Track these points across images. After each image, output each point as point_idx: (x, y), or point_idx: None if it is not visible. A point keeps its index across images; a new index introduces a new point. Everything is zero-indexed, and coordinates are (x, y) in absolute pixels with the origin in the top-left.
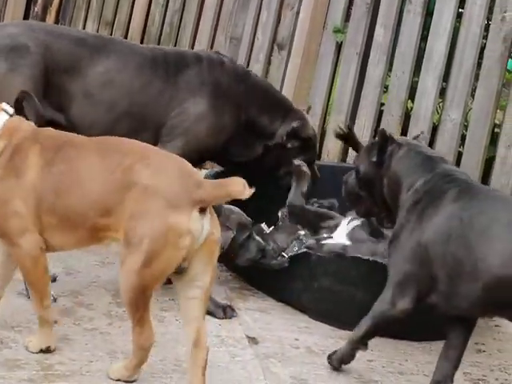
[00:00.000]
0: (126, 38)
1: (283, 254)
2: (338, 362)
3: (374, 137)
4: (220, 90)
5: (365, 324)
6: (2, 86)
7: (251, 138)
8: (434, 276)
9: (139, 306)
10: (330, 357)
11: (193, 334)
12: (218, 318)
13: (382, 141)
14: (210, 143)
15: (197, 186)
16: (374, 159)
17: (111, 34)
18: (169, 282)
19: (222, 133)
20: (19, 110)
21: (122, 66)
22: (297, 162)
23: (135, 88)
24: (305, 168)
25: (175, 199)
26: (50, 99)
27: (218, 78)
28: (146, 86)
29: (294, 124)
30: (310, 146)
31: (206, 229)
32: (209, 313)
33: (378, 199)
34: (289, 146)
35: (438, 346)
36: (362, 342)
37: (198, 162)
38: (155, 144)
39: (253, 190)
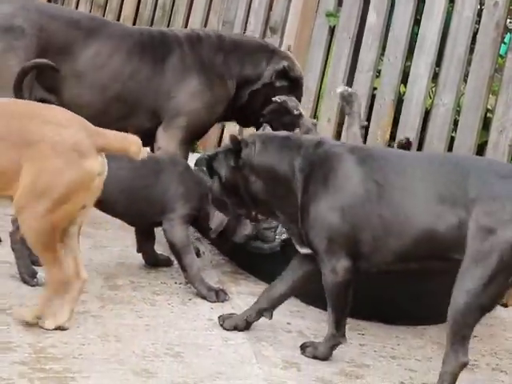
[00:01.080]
0: (118, 21)
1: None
2: (311, 355)
3: (368, 119)
4: (205, 64)
5: (329, 311)
6: None
7: (238, 90)
8: (355, 239)
9: (51, 247)
10: (304, 347)
11: (72, 265)
12: (211, 302)
13: (236, 146)
14: (210, 117)
15: (97, 134)
16: (233, 164)
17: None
18: (164, 264)
19: (219, 104)
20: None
21: (114, 50)
22: (280, 98)
23: (125, 72)
24: (291, 103)
25: (83, 147)
26: (43, 80)
27: (200, 53)
28: (136, 71)
29: (285, 63)
30: (298, 86)
31: (106, 170)
32: (201, 296)
33: (246, 199)
34: (277, 84)
35: (431, 330)
36: (339, 332)
37: (198, 138)
38: (151, 129)
39: (147, 150)
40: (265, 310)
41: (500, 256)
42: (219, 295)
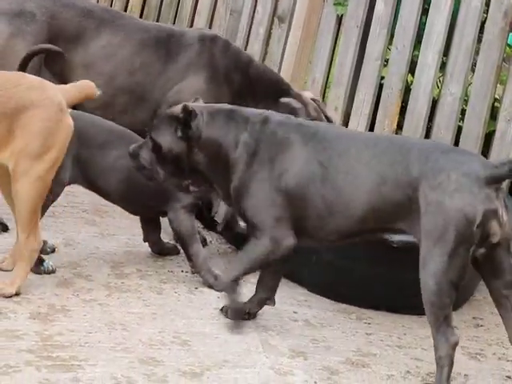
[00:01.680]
0: (125, 9)
1: None
2: (234, 312)
3: (376, 108)
4: (219, 71)
5: (239, 266)
6: (4, 50)
7: None
8: (299, 217)
9: (37, 211)
10: (223, 310)
11: None
12: (217, 291)
13: (187, 116)
14: None
15: (65, 91)
16: (181, 134)
17: (111, 5)
18: (171, 252)
19: None
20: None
21: (126, 42)
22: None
23: (135, 65)
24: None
25: (63, 106)
26: (51, 68)
27: (219, 59)
28: (147, 64)
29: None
30: None
31: None
32: (208, 285)
33: (185, 170)
34: None
35: None
36: (235, 283)
37: None
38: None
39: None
40: (266, 298)
41: (455, 229)
42: None
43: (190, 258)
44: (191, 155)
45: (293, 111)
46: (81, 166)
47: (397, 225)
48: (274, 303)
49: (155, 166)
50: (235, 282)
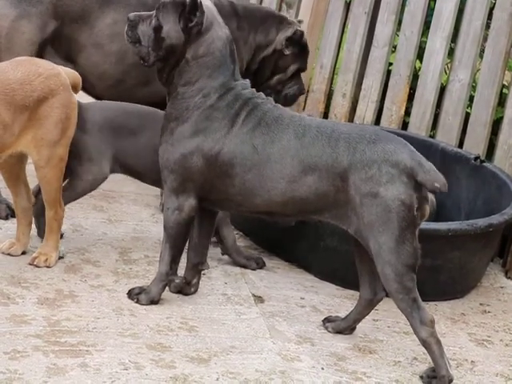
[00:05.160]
0: None
1: None
2: (148, 300)
3: (383, 95)
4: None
5: (166, 248)
6: (10, 33)
7: (251, 57)
8: (210, 188)
9: (60, 187)
10: (132, 294)
11: (26, 195)
12: (252, 269)
13: (193, 4)
14: None
15: (66, 72)
16: (181, 25)
17: None
18: None
19: None
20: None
21: None
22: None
23: None
24: None
25: (70, 87)
26: (59, 49)
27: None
28: None
29: (296, 29)
30: (305, 54)
31: None
32: (240, 266)
33: (173, 63)
34: (287, 52)
35: (444, 306)
36: (172, 270)
37: None
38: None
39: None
40: (199, 263)
41: (397, 216)
42: (259, 262)
43: (220, 240)
44: (184, 51)
45: None
46: (118, 154)
47: (323, 216)
48: (207, 266)
49: (150, 45)
50: (174, 265)
